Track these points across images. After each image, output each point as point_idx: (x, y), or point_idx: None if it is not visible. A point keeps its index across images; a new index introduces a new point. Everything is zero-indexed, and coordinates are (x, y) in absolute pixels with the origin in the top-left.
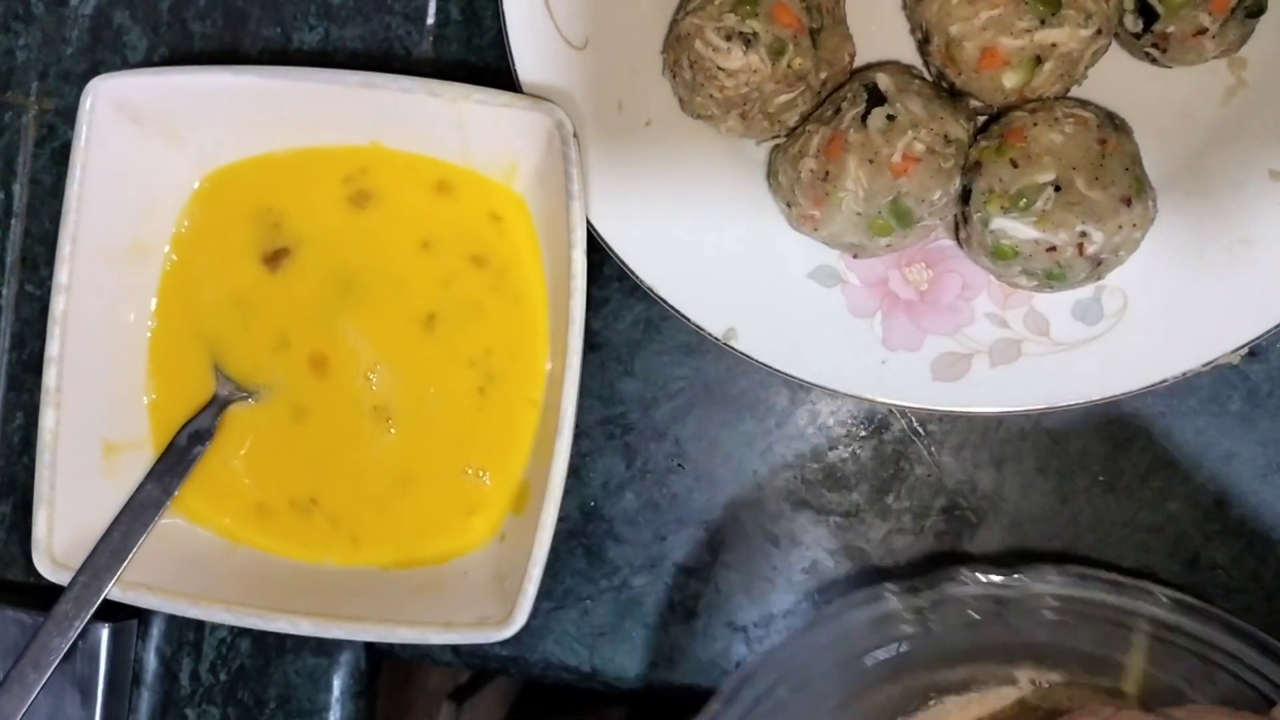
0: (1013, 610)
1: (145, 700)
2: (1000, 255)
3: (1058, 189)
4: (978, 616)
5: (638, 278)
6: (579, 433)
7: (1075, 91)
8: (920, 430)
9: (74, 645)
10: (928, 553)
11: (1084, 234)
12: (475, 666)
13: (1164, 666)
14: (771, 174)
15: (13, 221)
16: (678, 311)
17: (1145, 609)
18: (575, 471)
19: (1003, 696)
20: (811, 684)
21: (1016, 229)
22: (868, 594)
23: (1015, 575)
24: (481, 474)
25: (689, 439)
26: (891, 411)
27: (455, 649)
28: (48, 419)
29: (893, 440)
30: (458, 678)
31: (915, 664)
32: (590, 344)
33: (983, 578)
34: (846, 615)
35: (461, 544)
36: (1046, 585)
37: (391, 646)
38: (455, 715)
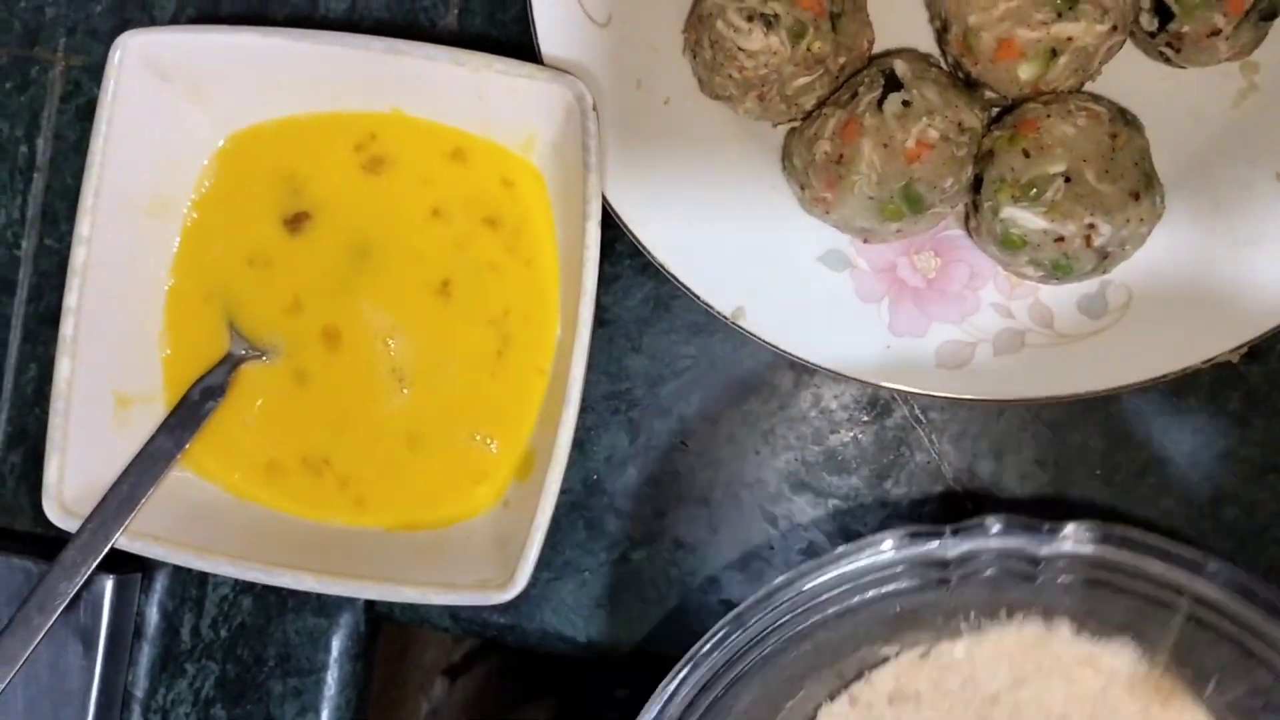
0: (1044, 570)
1: (146, 653)
2: (1009, 244)
3: (1068, 180)
4: (998, 574)
5: (649, 253)
6: (585, 406)
7: (1089, 87)
8: (921, 418)
9: (78, 595)
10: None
11: (1092, 226)
12: (473, 633)
13: (1197, 651)
14: (786, 156)
15: (35, 175)
16: (687, 289)
17: (1191, 585)
18: (579, 444)
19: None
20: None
21: (1026, 218)
22: (889, 536)
23: (1051, 529)
24: (489, 441)
25: (693, 417)
26: (894, 397)
27: (454, 616)
28: (63, 368)
29: (894, 427)
30: (451, 654)
31: (928, 618)
32: (599, 320)
33: (1017, 536)
34: (864, 556)
35: (465, 509)
36: (1083, 546)
37: (391, 610)
38: (448, 690)
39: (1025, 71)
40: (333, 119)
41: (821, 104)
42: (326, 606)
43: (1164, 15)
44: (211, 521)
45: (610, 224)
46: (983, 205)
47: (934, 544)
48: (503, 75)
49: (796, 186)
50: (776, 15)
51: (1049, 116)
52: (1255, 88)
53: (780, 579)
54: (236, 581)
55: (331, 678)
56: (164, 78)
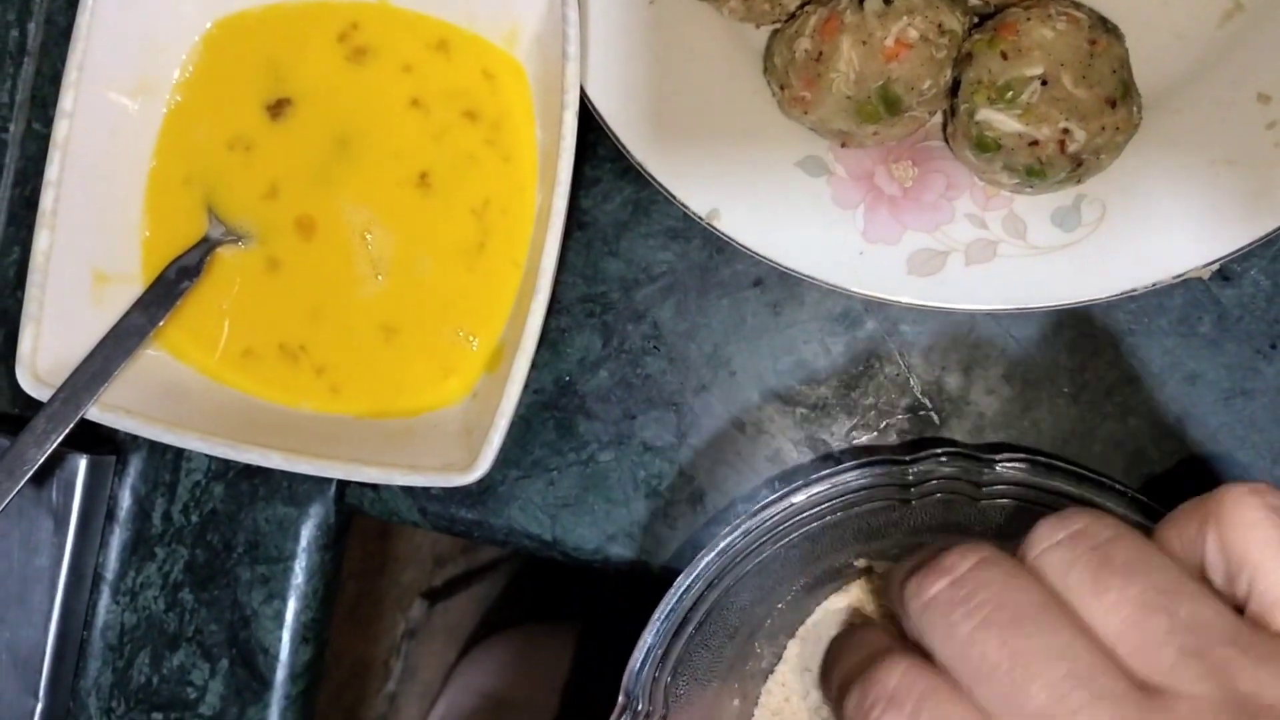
0: (986, 494)
1: (117, 536)
2: (983, 147)
3: (1044, 83)
4: (949, 497)
5: (627, 152)
6: (560, 309)
7: None
8: (893, 330)
9: (51, 474)
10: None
11: (1066, 131)
12: (441, 528)
13: None
14: (768, 56)
15: (25, 59)
16: (663, 188)
17: (1104, 504)
18: (553, 346)
19: None
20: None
21: (1001, 121)
22: (859, 464)
23: (995, 461)
24: (471, 338)
25: (667, 322)
26: (866, 309)
27: (423, 510)
28: (41, 240)
29: (865, 338)
30: (432, 578)
31: (891, 533)
32: (578, 223)
33: (963, 461)
34: (839, 478)
35: (436, 400)
36: (1016, 472)
37: (362, 502)
38: (427, 613)
39: None
40: (318, 6)
41: (805, 4)
42: (297, 496)
43: None
44: (184, 401)
45: (592, 126)
46: (959, 108)
47: (894, 469)
48: None
49: (776, 87)
50: None
51: (1029, 20)
52: (1241, 8)
53: (771, 496)
54: (209, 467)
55: (299, 567)
56: None
